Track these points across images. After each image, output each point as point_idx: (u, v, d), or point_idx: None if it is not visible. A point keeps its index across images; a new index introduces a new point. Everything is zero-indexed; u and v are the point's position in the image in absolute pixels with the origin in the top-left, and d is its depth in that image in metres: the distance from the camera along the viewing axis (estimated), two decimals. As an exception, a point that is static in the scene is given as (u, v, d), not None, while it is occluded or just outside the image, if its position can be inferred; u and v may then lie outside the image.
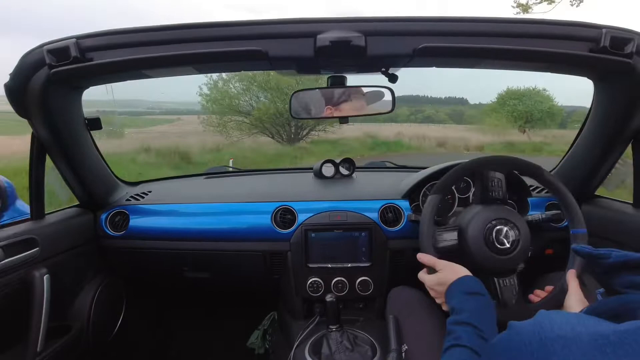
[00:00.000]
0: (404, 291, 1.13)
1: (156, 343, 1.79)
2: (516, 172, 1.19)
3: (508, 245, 0.94)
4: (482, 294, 0.78)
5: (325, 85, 1.06)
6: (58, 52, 0.81)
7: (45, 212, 1.12)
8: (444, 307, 0.86)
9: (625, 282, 0.41)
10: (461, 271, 0.85)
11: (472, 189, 1.26)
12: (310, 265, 1.27)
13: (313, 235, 1.26)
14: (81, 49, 0.80)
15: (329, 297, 1.08)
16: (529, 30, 0.80)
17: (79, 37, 0.81)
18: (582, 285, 0.82)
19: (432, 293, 0.90)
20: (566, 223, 1.03)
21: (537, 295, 0.94)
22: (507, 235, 0.94)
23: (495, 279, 0.98)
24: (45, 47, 0.81)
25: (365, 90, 1.09)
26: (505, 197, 1.05)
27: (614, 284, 0.43)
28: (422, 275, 0.93)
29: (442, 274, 0.86)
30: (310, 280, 1.26)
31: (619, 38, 0.78)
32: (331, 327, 1.09)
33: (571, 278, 0.81)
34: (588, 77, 1.00)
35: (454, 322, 0.72)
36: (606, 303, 0.42)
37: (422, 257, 0.93)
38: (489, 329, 0.70)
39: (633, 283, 0.40)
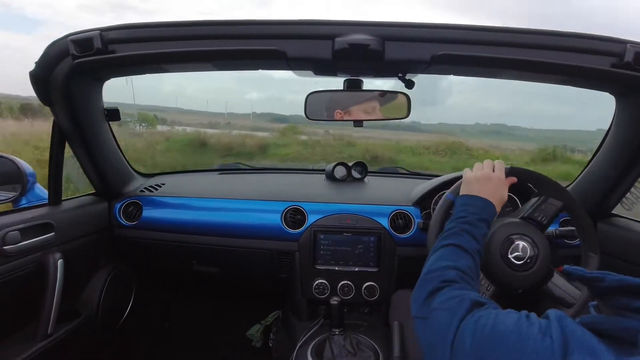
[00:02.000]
0: (408, 295, 1.12)
1: (162, 332, 1.82)
2: (531, 185, 1.16)
3: (526, 261, 0.89)
4: (490, 224, 0.80)
5: (341, 87, 1.06)
6: (82, 43, 0.83)
7: (62, 199, 1.15)
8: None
9: (621, 305, 0.40)
10: (497, 194, 0.85)
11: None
12: (318, 267, 1.27)
13: (322, 236, 1.26)
14: (104, 41, 0.82)
15: (333, 300, 1.08)
16: (550, 42, 0.78)
17: (102, 30, 0.83)
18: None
19: (469, 174, 0.89)
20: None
21: None
22: (524, 251, 0.89)
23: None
24: (69, 37, 0.84)
25: (381, 94, 1.08)
26: (526, 212, 1.01)
27: (609, 305, 0.43)
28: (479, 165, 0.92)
29: (486, 178, 0.86)
30: (317, 282, 1.27)
31: None
32: (335, 330, 1.08)
33: None
34: (609, 93, 0.98)
35: (465, 230, 0.73)
36: (603, 322, 0.41)
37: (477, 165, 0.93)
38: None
39: (629, 307, 0.39)
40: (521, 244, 0.90)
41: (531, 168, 1.02)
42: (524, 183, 1.02)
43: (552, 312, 0.44)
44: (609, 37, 0.78)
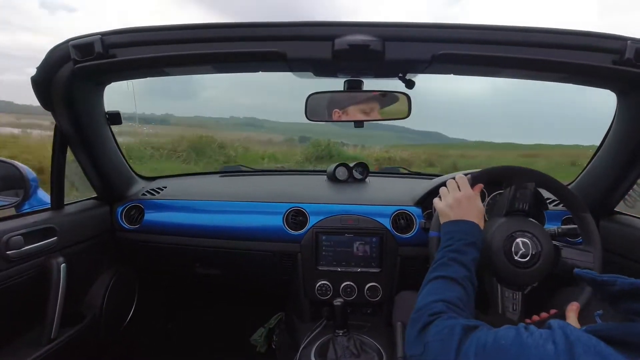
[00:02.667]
0: (411, 296, 1.11)
1: (165, 335, 1.82)
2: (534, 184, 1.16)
3: (528, 259, 0.89)
4: (480, 248, 0.79)
5: (341, 88, 1.06)
6: (83, 48, 0.84)
7: (65, 203, 1.15)
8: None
9: (632, 309, 0.40)
10: (480, 216, 0.85)
11: (487, 200, 1.24)
12: (320, 268, 1.27)
13: (324, 238, 1.26)
14: (105, 46, 0.83)
15: (337, 301, 1.07)
16: (550, 40, 0.78)
17: (103, 34, 0.83)
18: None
19: (450, 206, 0.88)
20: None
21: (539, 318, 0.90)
22: (527, 248, 0.89)
23: (499, 287, 0.94)
24: (70, 42, 0.84)
25: (381, 95, 1.08)
26: (531, 209, 1.01)
27: (619, 310, 0.42)
28: (452, 183, 0.93)
29: (467, 200, 0.86)
30: (319, 283, 1.26)
31: None
32: (338, 331, 1.08)
33: (570, 311, 0.74)
34: (611, 90, 0.97)
35: (453, 259, 0.72)
36: (613, 329, 0.41)
37: (451, 182, 0.93)
38: (476, 281, 0.71)
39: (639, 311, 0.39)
40: (523, 241, 0.90)
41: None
42: (492, 181, 1.04)
43: (554, 322, 0.44)
44: (610, 34, 0.78)
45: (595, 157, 1.17)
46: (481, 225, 0.85)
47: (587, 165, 1.21)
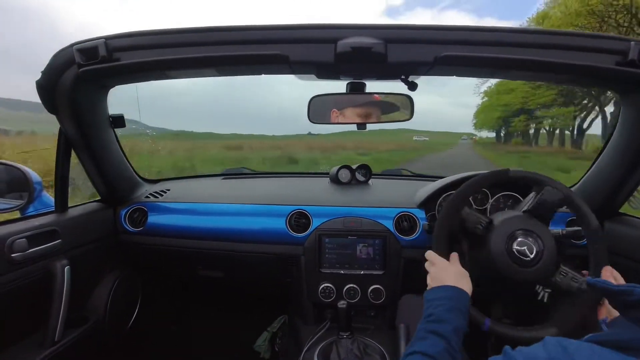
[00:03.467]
0: (415, 299, 1.11)
1: (169, 337, 1.82)
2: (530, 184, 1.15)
3: (531, 257, 0.88)
4: (467, 315, 0.75)
5: (344, 91, 1.06)
6: (87, 52, 0.84)
7: (69, 206, 1.16)
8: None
9: None
10: (463, 280, 0.81)
11: (490, 201, 1.24)
12: (323, 271, 1.26)
13: (327, 240, 1.26)
14: (109, 49, 0.83)
15: (341, 304, 1.07)
16: (554, 41, 0.78)
17: (107, 38, 0.84)
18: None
19: (431, 280, 0.85)
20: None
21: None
22: (530, 246, 0.88)
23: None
24: (75, 46, 0.85)
25: (384, 97, 1.08)
26: (528, 205, 0.99)
27: (629, 316, 0.41)
28: (431, 254, 0.90)
29: (449, 271, 0.83)
30: (322, 286, 1.26)
31: None
32: (342, 333, 1.08)
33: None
34: (614, 91, 0.97)
35: (431, 331, 0.68)
36: (616, 335, 0.40)
37: (430, 254, 0.90)
38: (458, 352, 0.67)
39: None
40: (526, 239, 0.89)
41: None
42: (524, 183, 1.01)
43: (547, 338, 0.43)
44: (613, 35, 0.78)
45: (599, 159, 1.16)
46: (464, 286, 0.80)
47: (591, 166, 1.21)
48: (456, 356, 0.66)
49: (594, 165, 1.19)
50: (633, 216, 1.16)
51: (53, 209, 1.12)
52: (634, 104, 0.96)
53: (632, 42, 0.76)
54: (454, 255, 0.91)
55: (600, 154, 1.16)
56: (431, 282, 0.84)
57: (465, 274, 0.84)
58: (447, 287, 0.78)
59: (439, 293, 0.78)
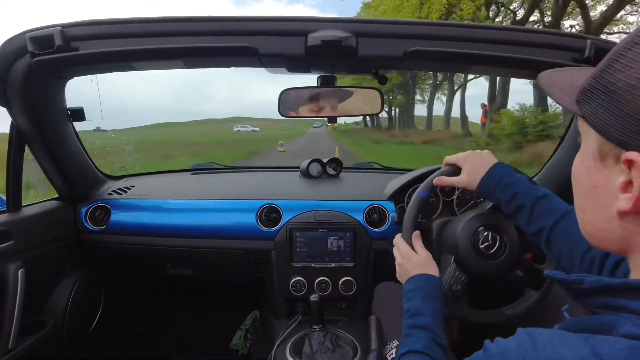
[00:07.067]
0: (392, 287, 1.13)
1: (135, 339, 1.76)
2: None
3: (495, 250, 0.91)
4: (441, 297, 0.77)
5: (315, 84, 1.06)
6: (41, 40, 0.78)
7: (23, 204, 1.08)
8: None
9: (598, 304, 0.42)
10: (429, 265, 0.83)
11: (457, 192, 1.28)
12: (294, 265, 1.26)
13: (298, 234, 1.26)
14: (66, 38, 0.78)
15: (313, 297, 1.07)
16: (517, 37, 0.81)
17: (64, 26, 0.78)
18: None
19: (397, 268, 0.87)
20: None
21: None
22: (494, 240, 0.92)
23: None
24: (27, 34, 0.78)
25: (354, 90, 1.09)
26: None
27: (585, 304, 0.44)
28: (398, 241, 0.90)
29: (412, 260, 0.84)
30: (294, 280, 1.26)
31: (604, 49, 0.80)
32: (314, 327, 1.09)
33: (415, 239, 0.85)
34: None
35: (413, 326, 0.71)
36: (578, 322, 0.43)
37: (397, 239, 0.91)
38: (443, 335, 0.71)
39: (606, 305, 0.41)
40: (489, 233, 0.92)
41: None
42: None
43: (519, 329, 0.45)
44: (571, 33, 0.83)
45: (557, 151, 1.23)
46: (430, 270, 0.82)
47: (550, 158, 1.27)
48: (441, 340, 0.69)
49: (553, 157, 1.25)
50: None
51: (4, 208, 1.05)
52: None
53: (589, 40, 0.80)
54: (417, 234, 0.91)
55: (558, 146, 1.22)
56: (398, 268, 0.86)
57: (429, 257, 0.86)
58: (416, 278, 0.80)
59: (410, 285, 0.80)
